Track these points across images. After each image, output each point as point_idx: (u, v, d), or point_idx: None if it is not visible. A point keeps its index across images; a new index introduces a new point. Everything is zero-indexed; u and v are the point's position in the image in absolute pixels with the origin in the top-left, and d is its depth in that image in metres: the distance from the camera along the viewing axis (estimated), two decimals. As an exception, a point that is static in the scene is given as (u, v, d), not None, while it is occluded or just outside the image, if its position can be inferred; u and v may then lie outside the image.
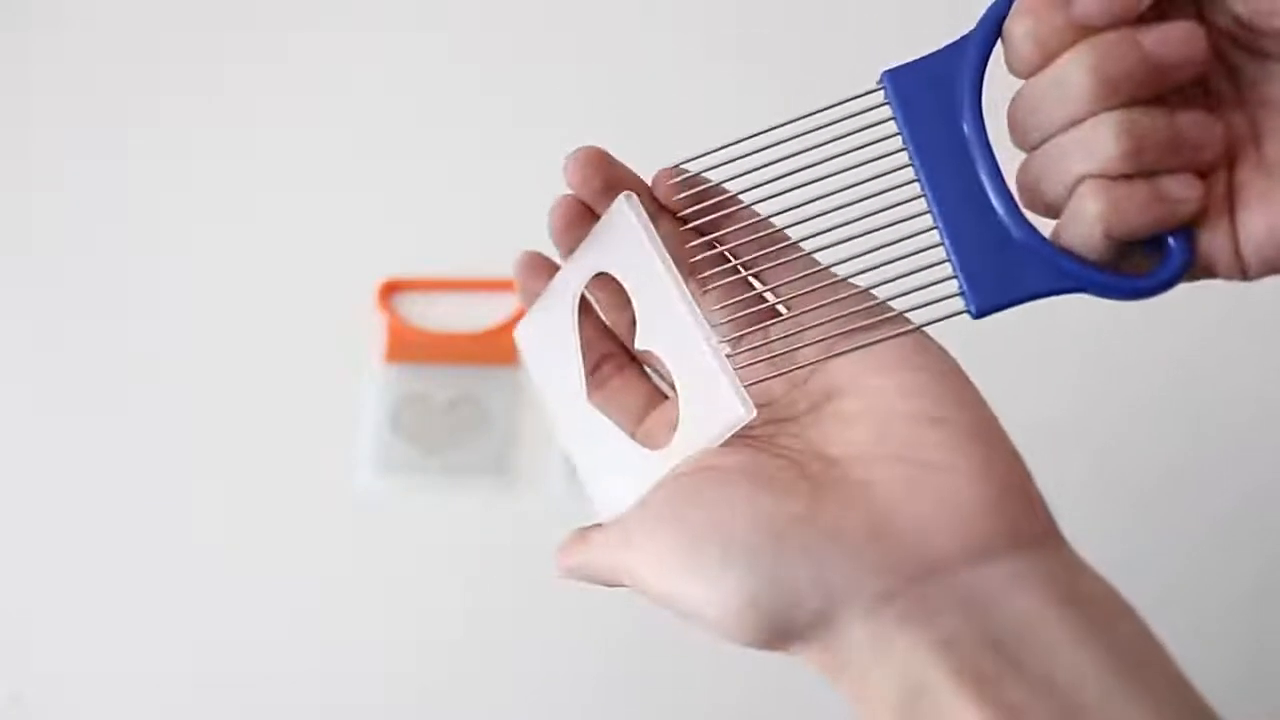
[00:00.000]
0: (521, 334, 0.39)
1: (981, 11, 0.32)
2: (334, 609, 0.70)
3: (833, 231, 0.34)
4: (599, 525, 0.37)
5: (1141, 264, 0.31)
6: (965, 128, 0.32)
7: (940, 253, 0.32)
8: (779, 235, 0.35)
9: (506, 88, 0.80)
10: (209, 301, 0.76)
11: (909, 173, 0.33)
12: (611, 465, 0.36)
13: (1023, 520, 0.31)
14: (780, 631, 0.30)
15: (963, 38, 0.32)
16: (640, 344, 0.35)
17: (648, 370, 0.39)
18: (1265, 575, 0.67)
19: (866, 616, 0.29)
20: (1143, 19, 0.30)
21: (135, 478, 0.72)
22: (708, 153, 0.35)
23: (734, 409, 0.33)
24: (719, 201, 0.35)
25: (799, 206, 0.34)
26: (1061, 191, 0.31)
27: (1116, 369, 0.71)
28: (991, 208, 0.32)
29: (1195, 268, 0.31)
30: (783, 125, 0.34)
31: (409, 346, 0.74)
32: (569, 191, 0.37)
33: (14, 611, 0.70)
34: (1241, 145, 0.31)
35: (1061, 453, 0.68)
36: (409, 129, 0.80)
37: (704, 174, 0.35)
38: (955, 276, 0.32)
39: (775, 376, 0.34)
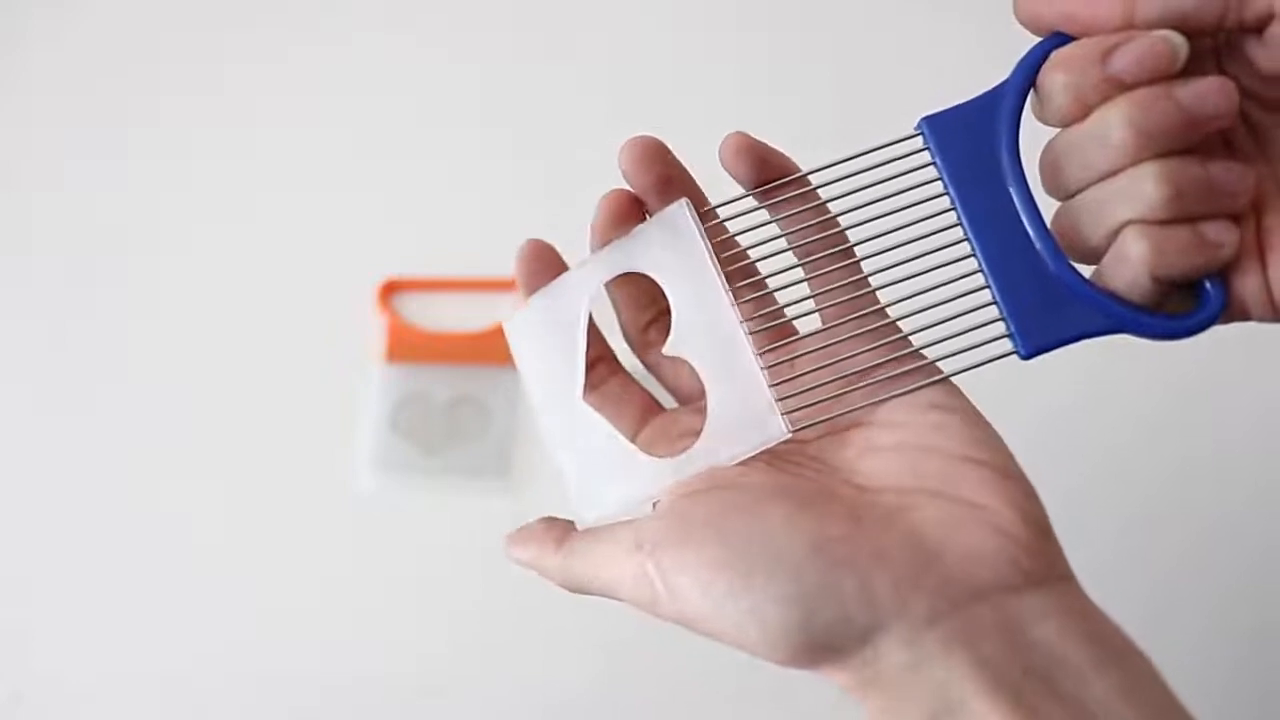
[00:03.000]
0: (516, 323, 0.38)
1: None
2: (334, 609, 0.70)
3: (879, 275, 0.35)
4: (569, 524, 0.36)
5: (1178, 306, 0.33)
6: (1006, 174, 0.33)
7: (985, 295, 0.33)
8: (834, 239, 0.35)
9: (506, 88, 0.80)
10: (209, 301, 0.76)
11: (951, 216, 0.34)
12: (606, 468, 0.36)
13: (1050, 560, 0.32)
14: (821, 648, 0.31)
15: (999, 86, 0.33)
16: (671, 349, 0.35)
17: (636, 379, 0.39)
18: (1257, 587, 0.67)
19: (910, 636, 0.30)
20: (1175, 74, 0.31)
21: (135, 477, 0.72)
22: (741, 197, 0.35)
23: (774, 425, 0.34)
24: (780, 201, 0.35)
25: (845, 248, 0.35)
26: (1103, 236, 0.32)
27: (1111, 384, 0.70)
28: (1035, 252, 0.33)
29: (1230, 310, 0.33)
30: (822, 169, 0.35)
31: (409, 346, 0.74)
32: (615, 185, 0.36)
33: (14, 611, 0.70)
34: (1266, 194, 0.33)
35: (1055, 468, 0.68)
36: (409, 129, 0.80)
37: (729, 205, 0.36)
38: (1003, 319, 0.33)
39: (829, 419, 0.34)
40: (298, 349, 0.74)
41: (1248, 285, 0.32)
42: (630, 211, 0.36)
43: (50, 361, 0.75)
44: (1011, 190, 0.33)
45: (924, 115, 0.34)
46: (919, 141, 0.34)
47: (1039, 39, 0.33)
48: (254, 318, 0.75)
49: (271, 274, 0.76)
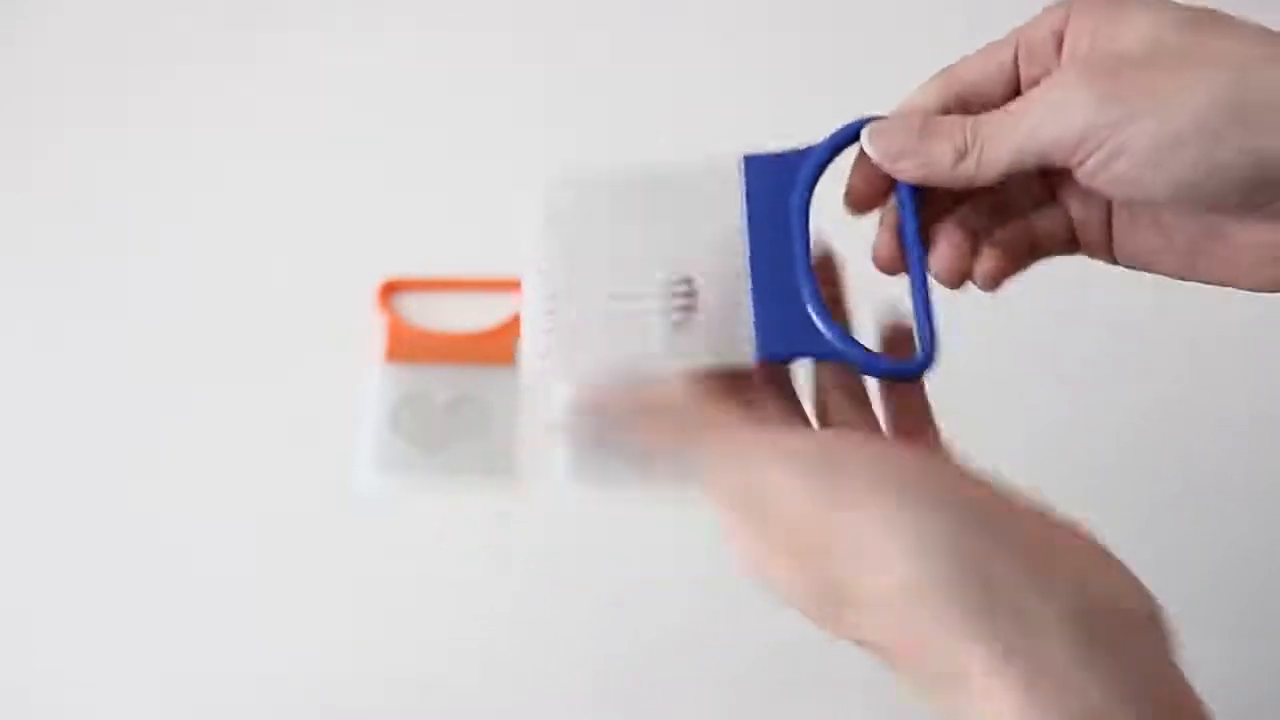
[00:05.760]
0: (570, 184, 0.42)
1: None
2: (334, 609, 0.70)
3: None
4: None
5: (905, 352, 0.38)
6: (792, 218, 0.40)
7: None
8: None
9: (508, 88, 0.80)
10: (209, 301, 0.76)
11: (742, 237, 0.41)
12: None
13: None
14: (973, 609, 0.29)
15: (811, 146, 0.40)
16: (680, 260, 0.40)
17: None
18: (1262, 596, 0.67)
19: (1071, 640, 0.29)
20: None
21: (135, 477, 0.72)
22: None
23: (747, 346, 0.39)
24: None
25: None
26: None
27: (1118, 378, 0.71)
28: (795, 283, 0.40)
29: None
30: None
31: (409, 346, 0.74)
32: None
33: (14, 611, 0.70)
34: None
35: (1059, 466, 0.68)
36: (410, 129, 0.80)
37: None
38: (752, 324, 0.39)
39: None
40: (298, 349, 0.74)
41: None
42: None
43: (51, 361, 0.75)
44: (793, 231, 0.40)
45: (746, 154, 0.41)
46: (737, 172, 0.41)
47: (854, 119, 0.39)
48: (254, 318, 0.75)
49: (271, 273, 0.76)
